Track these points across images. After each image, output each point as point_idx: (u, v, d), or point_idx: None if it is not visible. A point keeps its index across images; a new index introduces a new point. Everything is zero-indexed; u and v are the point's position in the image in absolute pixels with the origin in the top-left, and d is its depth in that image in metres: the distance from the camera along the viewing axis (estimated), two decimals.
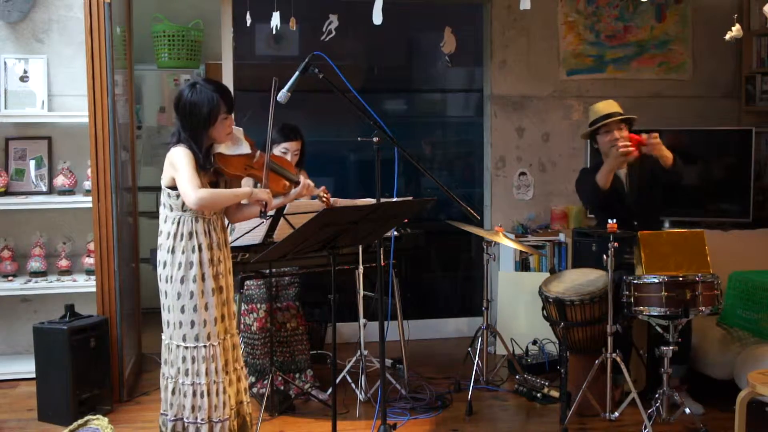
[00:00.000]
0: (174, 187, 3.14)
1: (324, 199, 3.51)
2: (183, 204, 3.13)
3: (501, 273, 5.35)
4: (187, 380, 3.18)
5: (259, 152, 3.32)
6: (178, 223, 3.16)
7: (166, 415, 3.24)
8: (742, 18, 5.57)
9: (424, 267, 5.97)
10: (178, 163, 3.09)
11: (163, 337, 3.27)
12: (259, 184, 4.20)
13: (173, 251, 3.16)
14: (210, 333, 3.18)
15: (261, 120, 4.48)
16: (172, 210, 3.18)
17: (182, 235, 3.16)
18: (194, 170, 3.09)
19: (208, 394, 3.18)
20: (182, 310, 3.16)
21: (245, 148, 3.30)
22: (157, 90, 6.46)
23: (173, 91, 6.20)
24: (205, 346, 3.17)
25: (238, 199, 3.22)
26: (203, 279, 3.17)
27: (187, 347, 3.17)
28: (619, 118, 4.29)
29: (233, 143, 3.27)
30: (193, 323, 3.16)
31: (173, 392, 3.21)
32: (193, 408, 3.18)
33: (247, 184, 3.47)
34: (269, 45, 5.76)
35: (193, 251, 3.16)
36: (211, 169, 3.21)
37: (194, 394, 3.18)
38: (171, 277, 3.17)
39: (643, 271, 3.78)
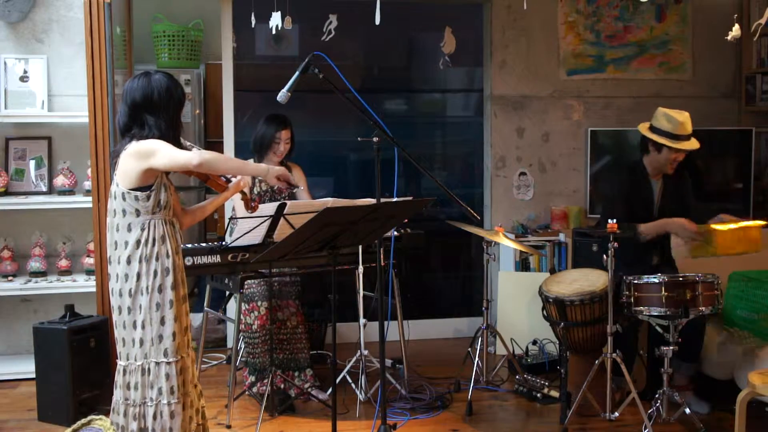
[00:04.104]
0: (141, 188, 2.91)
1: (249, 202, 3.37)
2: (153, 206, 2.93)
3: (501, 273, 5.35)
4: (173, 398, 2.94)
5: None
6: (148, 227, 2.93)
7: None
8: (742, 18, 5.57)
9: (424, 267, 5.97)
10: (154, 145, 2.88)
11: (124, 362, 2.97)
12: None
13: (147, 259, 2.92)
14: (180, 343, 2.98)
15: (260, 119, 4.49)
16: (138, 215, 2.92)
17: (154, 239, 2.93)
18: None
19: (183, 409, 2.97)
20: (162, 322, 2.93)
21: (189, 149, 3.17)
22: None
23: None
24: (182, 358, 2.98)
25: (241, 171, 3.12)
26: (174, 287, 2.97)
27: (169, 362, 2.93)
28: (689, 149, 4.16)
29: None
30: (174, 335, 2.94)
31: (154, 417, 2.93)
32: (171, 429, 2.93)
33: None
34: (269, 45, 5.76)
35: (167, 256, 2.95)
36: None
37: (172, 414, 2.93)
38: (147, 288, 2.92)
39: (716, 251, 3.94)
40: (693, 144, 4.18)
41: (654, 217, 4.23)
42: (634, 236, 4.11)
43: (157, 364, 2.94)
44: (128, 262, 2.93)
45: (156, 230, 2.94)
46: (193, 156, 2.90)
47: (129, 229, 2.94)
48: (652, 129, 4.21)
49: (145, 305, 2.93)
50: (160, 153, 2.87)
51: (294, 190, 4.51)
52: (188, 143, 3.17)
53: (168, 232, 2.97)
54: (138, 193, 2.91)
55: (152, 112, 2.95)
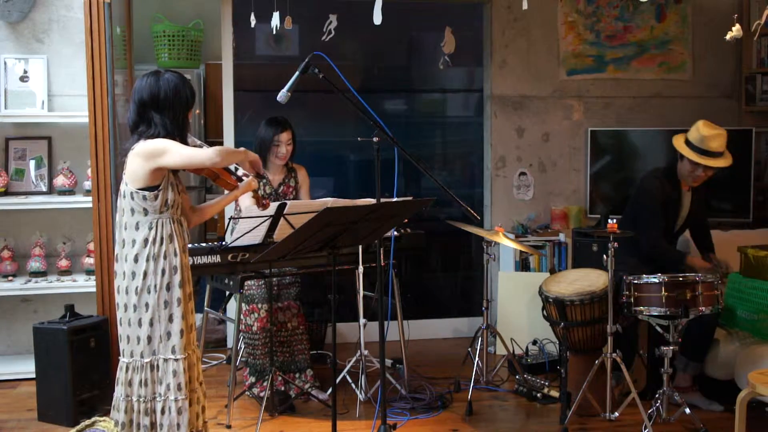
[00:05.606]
0: (149, 188, 2.92)
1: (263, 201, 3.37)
2: (161, 205, 2.95)
3: (501, 273, 5.35)
4: (180, 395, 2.97)
5: None
6: (156, 226, 2.95)
7: None
8: (742, 18, 5.57)
9: (424, 267, 5.97)
10: (163, 144, 2.88)
11: (127, 359, 2.99)
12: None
13: (155, 258, 2.94)
14: (187, 340, 3.01)
15: (260, 120, 4.49)
16: (146, 214, 2.94)
17: (162, 238, 2.95)
18: None
19: (191, 405, 3.00)
20: (170, 319, 2.97)
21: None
22: None
23: None
24: (189, 355, 3.01)
25: (239, 156, 3.06)
26: (182, 285, 3.00)
27: (177, 359, 2.96)
28: (717, 166, 4.15)
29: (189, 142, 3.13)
30: (182, 332, 2.97)
31: (162, 412, 2.96)
32: (178, 425, 2.96)
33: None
34: (269, 45, 5.77)
35: (175, 254, 2.97)
36: None
37: (179, 410, 2.96)
38: (155, 286, 2.95)
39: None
40: (718, 162, 4.14)
41: (676, 227, 4.24)
42: (677, 263, 4.15)
43: (165, 360, 2.97)
44: (135, 260, 2.96)
45: (164, 229, 2.96)
46: (212, 154, 2.92)
47: (137, 228, 2.96)
48: (686, 140, 4.21)
49: (153, 303, 2.95)
50: (172, 152, 2.89)
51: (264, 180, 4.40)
52: (198, 141, 3.17)
53: (176, 231, 2.99)
54: (146, 193, 2.93)
55: (159, 110, 2.97)
